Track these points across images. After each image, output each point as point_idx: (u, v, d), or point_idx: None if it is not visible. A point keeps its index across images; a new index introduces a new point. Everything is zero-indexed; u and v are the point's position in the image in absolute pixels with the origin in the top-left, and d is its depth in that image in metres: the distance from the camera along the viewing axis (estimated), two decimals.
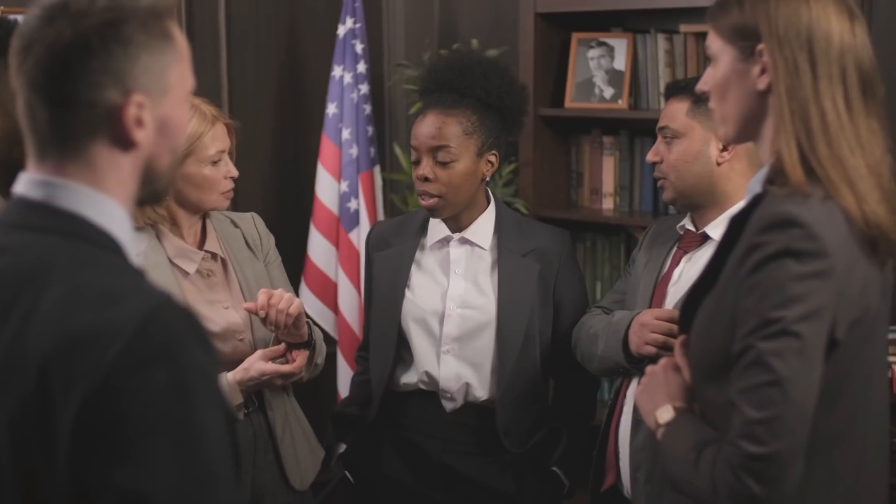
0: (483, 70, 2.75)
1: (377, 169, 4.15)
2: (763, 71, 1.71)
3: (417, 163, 2.73)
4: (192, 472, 1.28)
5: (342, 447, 2.94)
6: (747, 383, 1.61)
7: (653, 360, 2.29)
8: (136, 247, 1.50)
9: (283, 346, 2.62)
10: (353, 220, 4.04)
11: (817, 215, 1.63)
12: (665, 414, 1.81)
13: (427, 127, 2.70)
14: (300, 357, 2.61)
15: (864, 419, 1.75)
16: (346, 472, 2.96)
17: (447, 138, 2.68)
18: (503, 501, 2.79)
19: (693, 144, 2.50)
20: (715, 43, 1.78)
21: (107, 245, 1.41)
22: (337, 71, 4.05)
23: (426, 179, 2.69)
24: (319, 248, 4.09)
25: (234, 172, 2.65)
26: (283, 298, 2.53)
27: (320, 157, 4.08)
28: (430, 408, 2.80)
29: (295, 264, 4.17)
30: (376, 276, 2.90)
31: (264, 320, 2.54)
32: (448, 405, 2.79)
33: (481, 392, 2.76)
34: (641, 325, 2.49)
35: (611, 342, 2.57)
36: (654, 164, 2.57)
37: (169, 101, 1.44)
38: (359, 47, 4.03)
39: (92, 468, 1.26)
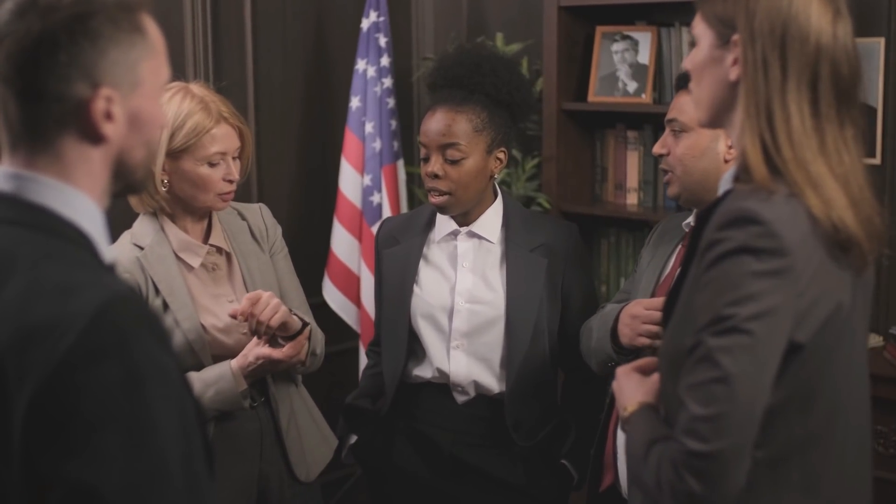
0: (493, 66, 2.73)
1: (400, 163, 4.15)
2: (736, 61, 1.67)
3: (426, 159, 2.72)
4: (142, 466, 1.28)
5: (353, 439, 2.93)
6: (694, 379, 1.58)
7: (640, 352, 2.28)
8: (108, 240, 1.51)
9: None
10: (376, 213, 4.04)
11: (779, 213, 1.59)
12: (628, 410, 1.79)
13: (437, 124, 2.69)
14: (290, 345, 2.59)
15: (844, 421, 1.71)
16: (357, 464, 2.97)
17: (457, 135, 2.67)
18: (513, 493, 2.79)
19: (701, 139, 2.46)
20: (698, 24, 1.75)
21: (73, 238, 1.41)
22: (360, 65, 4.04)
23: (435, 177, 2.68)
24: (342, 242, 4.10)
25: (234, 175, 2.60)
26: (267, 306, 2.50)
27: (344, 150, 4.08)
28: (442, 400, 2.81)
29: (318, 258, 4.18)
30: (385, 273, 2.91)
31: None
32: (460, 398, 2.79)
33: (492, 386, 2.76)
34: (632, 316, 2.46)
35: (601, 334, 2.56)
36: (661, 156, 2.54)
37: (140, 94, 1.45)
38: (382, 41, 4.03)
39: (44, 460, 1.26)
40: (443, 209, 2.73)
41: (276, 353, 2.57)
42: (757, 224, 1.57)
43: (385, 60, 4.03)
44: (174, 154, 2.54)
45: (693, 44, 1.78)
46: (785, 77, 1.63)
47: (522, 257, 2.76)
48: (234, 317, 2.51)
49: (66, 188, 1.42)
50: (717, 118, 1.75)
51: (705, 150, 2.46)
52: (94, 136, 1.42)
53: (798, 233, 1.58)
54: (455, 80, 2.73)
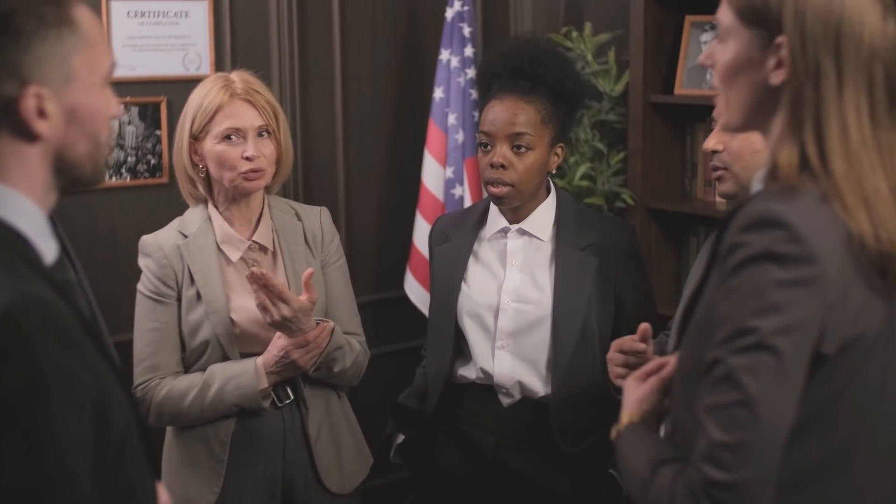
0: (555, 59, 2.69)
1: None
2: (779, 64, 1.52)
3: (488, 149, 2.64)
4: (42, 471, 1.26)
5: (400, 438, 2.88)
6: (715, 400, 1.45)
7: None
8: (52, 237, 1.48)
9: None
10: (458, 206, 3.95)
11: (806, 216, 1.45)
12: (621, 423, 1.70)
13: (505, 113, 2.62)
14: (303, 337, 2.55)
15: (868, 451, 1.56)
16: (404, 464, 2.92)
17: (526, 125, 2.61)
18: (556, 501, 2.69)
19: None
20: (726, 18, 1.59)
21: (4, 239, 1.40)
22: (444, 55, 3.97)
23: (501, 167, 2.61)
24: (424, 236, 4.01)
25: (249, 152, 2.57)
26: (316, 347, 2.56)
27: (427, 142, 4.01)
28: (487, 402, 2.74)
29: (402, 251, 4.14)
30: (435, 271, 2.86)
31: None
32: (505, 400, 2.72)
33: (537, 388, 2.68)
34: (608, 359, 2.42)
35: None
36: (715, 152, 2.38)
37: (76, 88, 1.43)
38: (466, 30, 3.94)
39: None
40: (502, 200, 2.65)
41: (290, 342, 2.54)
42: (781, 227, 1.44)
43: (469, 50, 3.94)
44: (197, 137, 2.57)
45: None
46: (841, 83, 1.50)
47: (572, 256, 2.67)
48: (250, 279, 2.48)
49: (2, 188, 1.41)
50: (750, 122, 1.62)
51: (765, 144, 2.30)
52: (27, 135, 1.40)
53: (827, 239, 1.45)
54: (518, 71, 2.66)
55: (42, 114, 1.39)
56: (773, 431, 1.43)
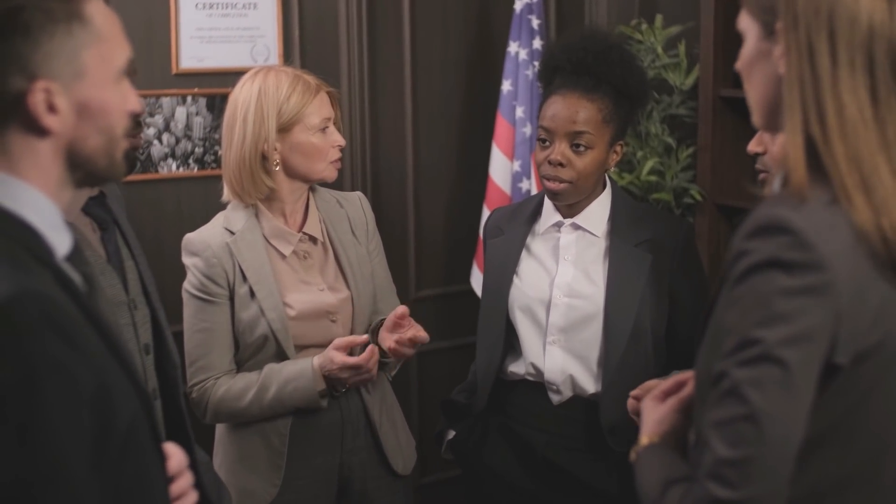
0: (621, 56, 2.62)
1: None
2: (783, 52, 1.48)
3: (546, 144, 2.61)
4: (34, 464, 1.27)
5: (451, 434, 2.87)
6: (720, 415, 1.40)
7: None
8: (66, 231, 1.49)
9: (365, 337, 2.61)
10: None
11: (814, 221, 1.39)
12: (640, 444, 1.66)
13: (566, 110, 2.58)
14: (363, 356, 2.58)
15: (893, 462, 1.49)
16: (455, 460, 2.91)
17: (587, 124, 2.57)
18: (604, 501, 2.65)
19: None
20: (743, 18, 1.57)
21: (11, 232, 1.40)
22: (513, 47, 3.93)
23: (559, 165, 2.57)
24: None
25: (341, 141, 2.65)
26: (367, 372, 2.59)
27: (494, 135, 3.98)
28: (537, 399, 2.70)
29: (468, 244, 4.12)
30: (488, 264, 2.84)
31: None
32: (555, 398, 2.68)
33: (588, 386, 2.64)
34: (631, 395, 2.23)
35: None
36: (757, 154, 2.33)
37: (87, 83, 1.44)
38: (535, 23, 3.90)
39: None
40: (558, 197, 2.62)
41: (352, 360, 2.56)
42: (787, 233, 1.39)
43: (537, 43, 3.90)
44: (285, 128, 2.58)
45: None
46: (835, 63, 1.44)
47: (626, 252, 2.62)
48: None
49: (12, 181, 1.42)
50: (772, 119, 1.56)
51: None
52: (37, 129, 1.41)
53: (837, 245, 1.39)
54: (581, 66, 2.60)
55: (52, 108, 1.40)
56: (780, 447, 1.37)
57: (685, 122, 3.79)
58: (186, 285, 2.67)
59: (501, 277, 2.73)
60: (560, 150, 2.57)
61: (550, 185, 2.60)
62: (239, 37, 3.70)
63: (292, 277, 2.64)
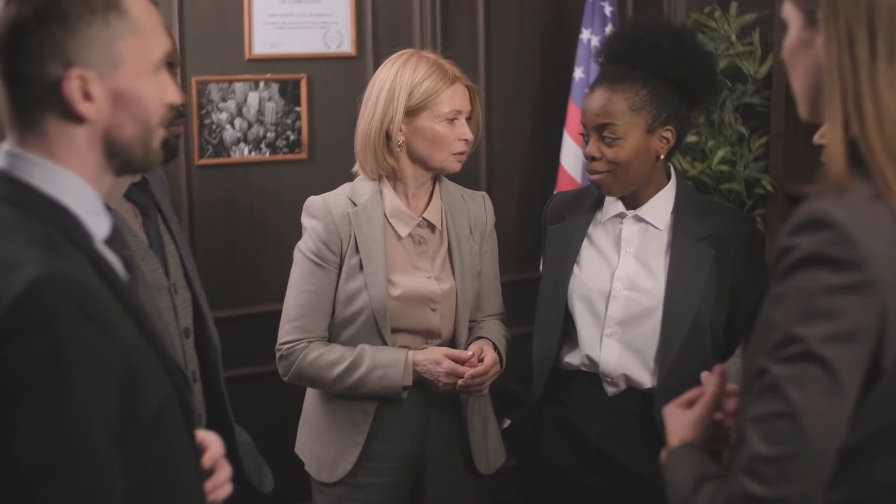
0: (655, 40, 2.57)
1: None
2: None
3: (585, 139, 2.62)
4: (57, 442, 1.30)
5: (506, 423, 2.88)
6: (759, 411, 1.39)
7: None
8: (106, 215, 1.53)
9: (470, 353, 2.66)
10: None
11: (856, 216, 1.37)
12: (667, 448, 1.68)
13: (593, 103, 2.60)
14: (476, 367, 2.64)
15: None
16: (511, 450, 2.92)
17: (612, 115, 2.56)
18: (656, 496, 2.63)
19: None
20: (786, 5, 1.55)
21: (48, 215, 1.44)
22: (585, 34, 3.91)
23: (592, 158, 2.58)
24: None
25: (469, 135, 2.67)
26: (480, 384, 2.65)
27: (566, 123, 3.97)
28: (592, 390, 2.70)
29: (539, 231, 4.10)
30: (548, 250, 2.84)
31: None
32: (610, 389, 2.68)
33: (643, 380, 2.63)
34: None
35: None
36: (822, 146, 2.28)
37: (122, 73, 1.47)
38: (608, 10, 3.88)
39: None
40: (601, 187, 2.62)
41: (461, 368, 2.62)
42: (829, 228, 1.37)
43: (609, 30, 3.87)
44: (413, 111, 2.62)
45: None
46: (874, 54, 1.43)
47: (688, 247, 2.60)
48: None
49: (52, 166, 1.46)
50: (816, 110, 1.54)
51: None
52: (72, 116, 1.45)
53: (882, 241, 1.37)
54: (615, 57, 2.61)
55: (87, 96, 1.44)
56: (819, 446, 1.35)
57: (758, 111, 3.74)
58: (301, 245, 2.72)
59: (562, 265, 2.73)
60: (592, 143, 2.58)
61: (590, 178, 2.63)
62: (312, 23, 3.74)
63: (404, 259, 2.68)
